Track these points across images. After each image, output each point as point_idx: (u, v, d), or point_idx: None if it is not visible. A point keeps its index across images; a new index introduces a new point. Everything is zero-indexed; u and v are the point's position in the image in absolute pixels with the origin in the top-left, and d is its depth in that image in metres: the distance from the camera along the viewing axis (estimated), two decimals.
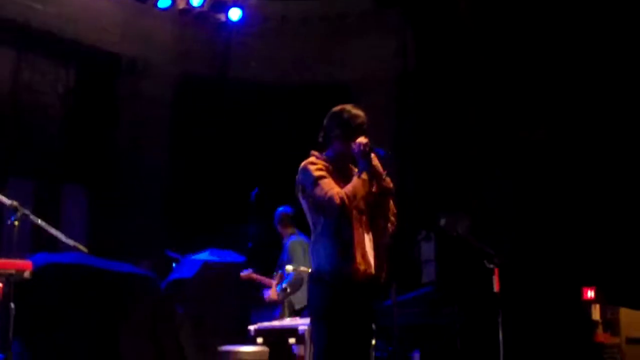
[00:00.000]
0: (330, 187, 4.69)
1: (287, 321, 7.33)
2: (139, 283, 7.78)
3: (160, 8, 11.26)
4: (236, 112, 12.51)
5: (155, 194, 12.10)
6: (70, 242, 5.67)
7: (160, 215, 12.05)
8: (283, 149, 11.38)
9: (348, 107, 4.99)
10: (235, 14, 11.73)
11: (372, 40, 12.69)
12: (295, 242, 8.45)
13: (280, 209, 8.79)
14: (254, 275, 8.84)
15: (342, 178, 4.84)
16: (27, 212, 5.63)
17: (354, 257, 4.70)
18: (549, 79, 11.04)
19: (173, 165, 12.34)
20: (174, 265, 9.33)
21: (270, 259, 9.06)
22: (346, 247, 4.71)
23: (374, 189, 4.86)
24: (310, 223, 4.86)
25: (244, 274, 8.78)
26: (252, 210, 9.27)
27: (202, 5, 11.39)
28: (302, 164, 4.87)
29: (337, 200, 4.63)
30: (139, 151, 12.08)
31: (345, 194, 4.66)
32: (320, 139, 5.00)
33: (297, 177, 4.89)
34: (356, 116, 4.94)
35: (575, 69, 10.81)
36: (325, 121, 5.00)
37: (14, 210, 5.58)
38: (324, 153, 4.96)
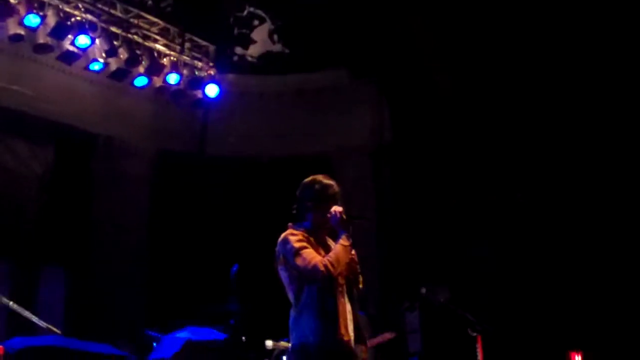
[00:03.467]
0: (312, 256, 4.65)
1: None
2: None
3: (137, 86, 11.29)
4: (215, 188, 12.49)
5: (134, 272, 11.95)
6: (43, 324, 5.55)
7: (139, 293, 11.89)
8: (263, 223, 11.32)
9: (319, 177, 4.97)
10: (212, 90, 11.75)
11: (349, 112, 12.83)
12: None
13: None
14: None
15: (320, 248, 4.79)
16: None
17: (338, 328, 4.64)
18: (525, 145, 11.16)
19: (152, 243, 12.23)
20: (154, 344, 9.14)
21: (252, 335, 8.90)
22: (331, 318, 4.64)
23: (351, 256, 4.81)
24: (291, 295, 4.77)
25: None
26: (233, 286, 9.15)
27: (179, 83, 11.43)
28: (282, 235, 4.82)
29: (322, 268, 4.58)
30: (118, 230, 11.97)
31: (329, 261, 4.61)
32: (295, 211, 4.96)
33: (276, 249, 4.83)
34: (328, 186, 4.91)
35: (551, 133, 10.96)
36: (297, 193, 4.97)
37: None
38: (300, 225, 4.91)
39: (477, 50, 11.56)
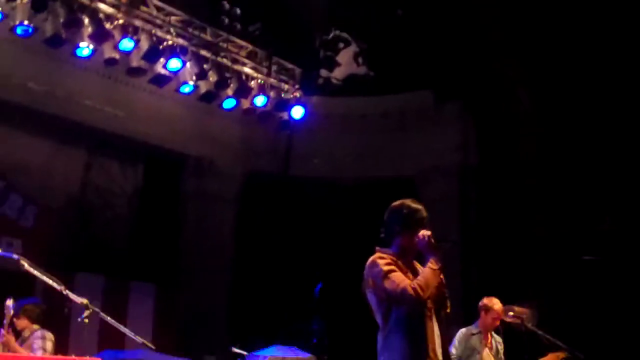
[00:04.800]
0: (401, 280, 4.65)
1: None
2: None
3: (225, 108, 11.53)
4: (300, 208, 12.64)
5: (220, 290, 12.19)
6: (139, 339, 5.73)
7: (225, 311, 12.11)
8: (347, 243, 11.40)
9: (407, 202, 4.96)
10: (297, 112, 11.93)
11: (433, 134, 12.82)
12: None
13: None
14: None
15: (409, 272, 4.80)
16: (97, 309, 5.71)
17: (427, 352, 4.63)
18: (615, 167, 10.96)
19: (238, 261, 12.45)
20: None
21: (336, 354, 8.97)
22: (420, 342, 4.62)
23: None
24: (380, 318, 4.78)
25: None
26: (316, 305, 9.24)
27: (266, 105, 11.64)
28: (370, 259, 4.83)
29: (411, 291, 4.57)
30: (205, 247, 12.24)
31: (418, 285, 4.61)
32: (383, 235, 4.97)
33: (364, 272, 4.84)
34: (416, 210, 4.91)
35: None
36: (385, 217, 4.98)
37: (85, 307, 5.66)
38: (388, 248, 4.93)
39: (565, 69, 11.43)
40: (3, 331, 7.19)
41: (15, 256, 5.78)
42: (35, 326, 7.61)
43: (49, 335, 7.57)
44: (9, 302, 7.10)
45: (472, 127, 12.63)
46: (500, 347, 7.68)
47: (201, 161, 12.51)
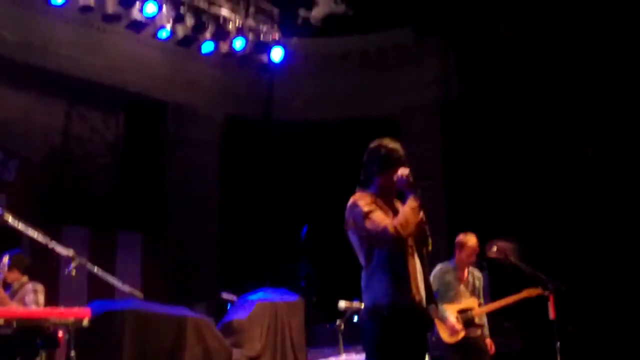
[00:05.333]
0: (382, 219, 4.71)
1: (343, 357, 7.32)
2: (195, 326, 7.83)
3: (204, 53, 11.42)
4: (283, 152, 12.64)
5: (207, 236, 12.24)
6: (127, 288, 5.77)
7: (213, 257, 12.18)
8: (330, 185, 11.44)
9: (385, 141, 5.00)
10: (277, 54, 11.83)
11: (414, 71, 12.80)
12: None
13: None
14: None
15: (389, 211, 4.85)
16: (83, 260, 5.74)
17: (410, 289, 4.71)
18: (593, 98, 10.97)
19: (223, 207, 12.48)
20: (229, 306, 9.38)
21: (324, 295, 9.06)
22: (402, 279, 4.70)
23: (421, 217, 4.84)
24: (362, 258, 4.85)
25: None
26: (303, 248, 9.29)
27: (245, 48, 11.52)
28: (350, 200, 4.89)
29: (391, 230, 4.63)
30: (189, 194, 12.25)
31: (399, 223, 4.66)
32: (362, 176, 5.01)
33: (345, 213, 4.90)
34: (393, 149, 4.94)
35: (620, 89, 10.73)
36: (364, 158, 5.02)
37: (71, 259, 5.68)
38: (368, 189, 4.97)
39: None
40: None
41: None
42: (24, 278, 7.63)
43: (40, 287, 7.60)
44: (5, 259, 7.12)
45: (453, 62, 12.60)
46: (479, 283, 7.65)
47: (182, 107, 12.45)
